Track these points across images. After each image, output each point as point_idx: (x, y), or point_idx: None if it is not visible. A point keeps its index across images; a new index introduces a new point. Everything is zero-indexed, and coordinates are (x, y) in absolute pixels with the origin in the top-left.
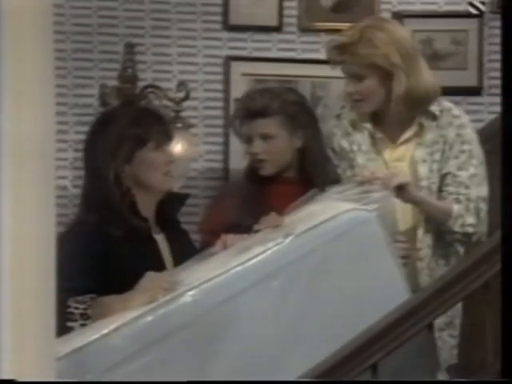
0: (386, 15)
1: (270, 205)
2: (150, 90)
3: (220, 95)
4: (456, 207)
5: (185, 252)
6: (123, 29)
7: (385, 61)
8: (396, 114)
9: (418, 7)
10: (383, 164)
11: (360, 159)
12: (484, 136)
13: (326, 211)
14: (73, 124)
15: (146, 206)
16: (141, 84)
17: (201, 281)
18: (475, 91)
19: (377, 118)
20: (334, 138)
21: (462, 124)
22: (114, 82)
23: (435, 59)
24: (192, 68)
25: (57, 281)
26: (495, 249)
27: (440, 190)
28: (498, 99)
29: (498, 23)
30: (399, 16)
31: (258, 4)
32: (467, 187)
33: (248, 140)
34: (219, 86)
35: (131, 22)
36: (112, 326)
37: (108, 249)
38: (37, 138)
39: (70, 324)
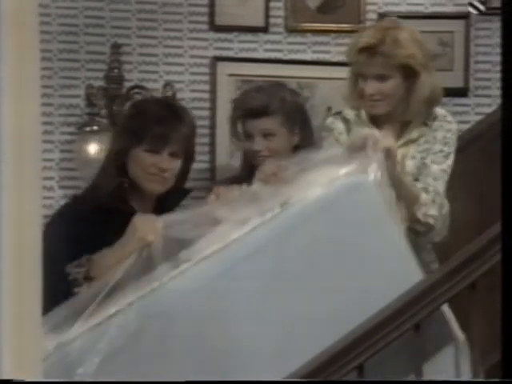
0: (372, 16)
1: None
2: (136, 90)
3: (206, 96)
4: (424, 196)
5: None
6: (109, 29)
7: (414, 61)
8: (415, 113)
9: (404, 8)
10: None
11: None
12: (471, 136)
13: (322, 178)
14: (59, 125)
15: (144, 198)
16: (127, 84)
17: (201, 256)
18: (461, 92)
19: (377, 119)
20: (333, 133)
21: (451, 129)
22: (100, 83)
23: None
24: (178, 68)
25: (52, 267)
26: (482, 249)
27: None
28: (484, 100)
29: (484, 25)
30: (385, 17)
31: (244, 4)
32: (435, 179)
33: (249, 138)
34: (206, 87)
35: (117, 23)
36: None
37: (93, 238)
38: (22, 139)
39: (76, 290)
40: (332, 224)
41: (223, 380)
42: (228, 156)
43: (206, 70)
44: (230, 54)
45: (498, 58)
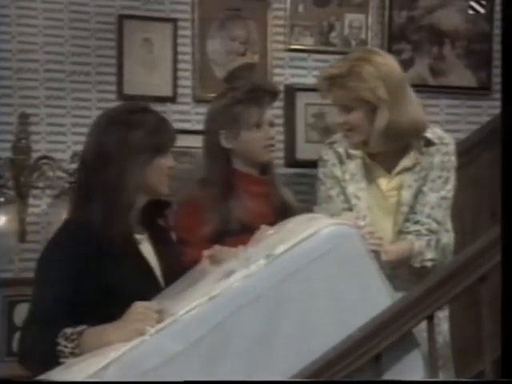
0: (279, 87)
1: (246, 201)
2: (43, 161)
3: None
4: (417, 244)
5: (167, 248)
6: (17, 99)
7: (371, 95)
8: (378, 146)
9: (310, 80)
10: (378, 193)
11: (351, 188)
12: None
13: (306, 228)
14: None
15: (135, 211)
16: (35, 155)
17: (185, 311)
18: None
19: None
20: (326, 164)
21: (448, 151)
22: (7, 154)
23: (327, 133)
24: None
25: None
26: (494, 240)
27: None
28: None
29: (474, 103)
30: (291, 89)
31: (152, 74)
32: (432, 208)
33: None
34: None
35: (25, 92)
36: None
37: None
38: None
39: (62, 360)
40: (320, 274)
41: (225, 380)
42: None
43: None
44: None
45: None
